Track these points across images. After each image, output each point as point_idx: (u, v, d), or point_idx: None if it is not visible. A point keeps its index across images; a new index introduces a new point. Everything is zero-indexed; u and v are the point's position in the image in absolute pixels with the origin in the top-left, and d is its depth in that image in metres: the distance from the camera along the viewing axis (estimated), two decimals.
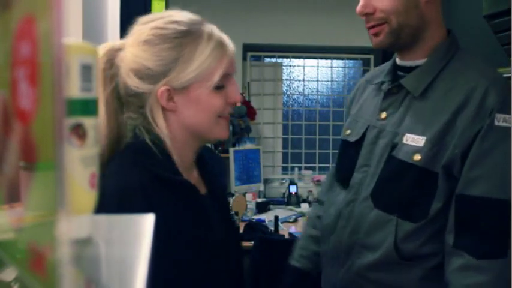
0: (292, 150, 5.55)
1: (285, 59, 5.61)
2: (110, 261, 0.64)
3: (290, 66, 5.62)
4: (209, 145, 4.97)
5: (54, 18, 0.36)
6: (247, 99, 5.26)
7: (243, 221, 4.00)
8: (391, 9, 1.39)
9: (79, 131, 0.59)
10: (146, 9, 2.43)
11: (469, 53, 1.48)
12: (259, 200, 4.64)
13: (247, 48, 5.39)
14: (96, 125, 0.62)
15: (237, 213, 3.79)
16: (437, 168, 1.35)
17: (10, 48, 0.43)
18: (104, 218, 0.64)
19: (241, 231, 3.67)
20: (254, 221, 4.02)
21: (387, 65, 1.59)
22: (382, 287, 1.44)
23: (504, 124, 1.31)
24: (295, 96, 5.61)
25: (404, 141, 1.41)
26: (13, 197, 0.45)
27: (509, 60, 1.46)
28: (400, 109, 1.47)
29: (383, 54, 2.48)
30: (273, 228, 3.82)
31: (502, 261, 1.28)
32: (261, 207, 4.50)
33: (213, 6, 5.21)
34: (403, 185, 1.40)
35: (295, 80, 5.60)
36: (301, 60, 5.59)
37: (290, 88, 5.61)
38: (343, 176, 1.59)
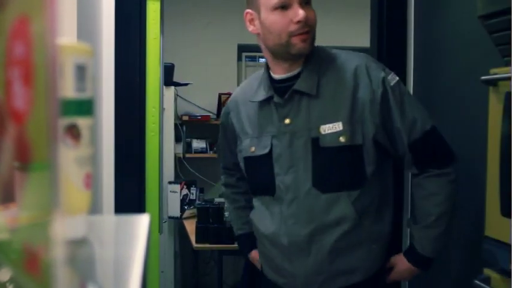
0: None
1: None
2: (104, 262, 0.64)
3: None
4: (204, 145, 4.97)
5: (48, 18, 0.36)
6: None
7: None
8: (315, 21, 1.74)
9: (74, 131, 0.59)
10: (141, 9, 2.43)
11: (322, 47, 1.83)
12: None
13: (242, 48, 5.39)
14: (91, 125, 0.62)
15: None
16: (360, 140, 1.69)
17: (4, 48, 0.43)
18: (99, 219, 0.64)
19: None
20: None
21: (255, 84, 1.89)
22: (350, 249, 1.73)
23: (395, 81, 1.73)
24: None
25: (323, 132, 1.70)
26: (7, 197, 0.45)
27: (505, 61, 1.46)
28: (301, 111, 1.74)
29: (378, 55, 2.48)
30: None
31: (454, 164, 1.73)
32: None
33: (208, 6, 5.21)
34: (339, 165, 1.70)
35: None
36: None
37: None
38: (263, 187, 1.84)
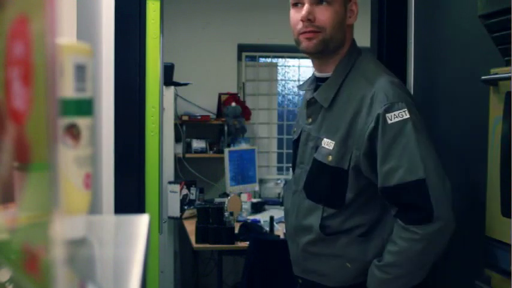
0: (287, 151, 5.55)
1: (280, 59, 5.61)
2: (104, 262, 0.63)
3: (285, 66, 5.63)
4: (204, 145, 4.97)
5: (48, 18, 0.36)
6: (242, 99, 5.26)
7: (238, 221, 3.99)
8: (328, 22, 1.70)
9: (73, 131, 0.59)
10: (141, 8, 2.42)
11: (367, 58, 1.82)
12: (254, 201, 4.64)
13: (242, 48, 5.39)
14: (91, 125, 0.62)
15: (232, 214, 3.79)
16: (346, 166, 1.70)
17: (3, 48, 0.42)
18: (99, 219, 0.64)
19: (236, 231, 3.67)
20: (249, 221, 4.02)
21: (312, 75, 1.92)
22: (321, 257, 1.81)
23: (397, 119, 1.61)
24: (290, 97, 5.61)
25: (322, 145, 1.75)
26: (7, 197, 0.45)
27: (506, 60, 1.46)
28: (318, 116, 1.79)
29: (378, 55, 2.48)
30: (268, 229, 3.82)
31: (429, 226, 1.58)
32: (256, 208, 4.50)
33: (208, 6, 5.21)
34: (323, 181, 1.76)
35: (291, 80, 5.60)
36: (297, 60, 5.59)
37: (285, 88, 5.61)
38: (293, 169, 1.97)
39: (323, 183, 1.77)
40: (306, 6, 1.69)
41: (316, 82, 1.84)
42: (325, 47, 1.73)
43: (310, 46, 1.73)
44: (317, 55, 1.78)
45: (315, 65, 1.85)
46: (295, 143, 1.94)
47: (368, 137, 1.65)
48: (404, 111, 1.61)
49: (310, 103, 1.83)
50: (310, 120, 1.83)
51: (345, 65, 1.77)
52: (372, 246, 1.75)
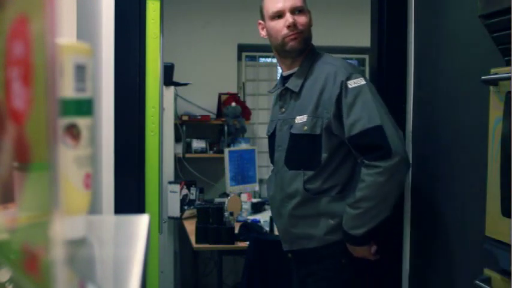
0: None
1: None
2: (104, 262, 0.63)
3: None
4: (204, 145, 4.96)
5: (47, 18, 0.36)
6: (242, 99, 5.26)
7: (238, 221, 3.99)
8: (306, 25, 2.21)
9: (73, 131, 0.59)
10: (141, 8, 2.42)
11: (323, 54, 2.29)
12: (254, 201, 4.64)
13: (242, 48, 5.39)
14: (91, 125, 0.62)
15: (232, 214, 3.79)
16: (319, 131, 2.12)
17: (3, 48, 0.42)
18: (99, 219, 0.64)
19: (236, 231, 3.67)
20: (249, 221, 4.02)
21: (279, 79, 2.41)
22: (306, 218, 2.17)
23: (356, 85, 2.08)
24: None
25: (296, 122, 2.18)
26: (7, 197, 0.45)
27: (506, 60, 1.46)
28: (290, 103, 2.25)
29: (378, 55, 2.48)
30: (268, 229, 3.81)
31: (389, 161, 1.99)
32: (256, 208, 4.50)
33: (208, 6, 5.21)
34: (300, 150, 2.18)
35: None
36: None
37: None
38: (271, 157, 2.38)
39: (301, 152, 2.18)
40: (289, 15, 2.17)
41: (283, 80, 2.32)
42: (305, 44, 2.22)
43: (295, 44, 2.18)
44: (297, 52, 2.21)
45: (286, 65, 2.29)
46: (271, 138, 2.36)
47: (335, 101, 2.09)
48: (360, 79, 2.09)
49: (282, 95, 2.30)
50: (283, 109, 2.28)
51: (309, 59, 2.25)
52: (348, 200, 2.11)
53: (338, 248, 2.14)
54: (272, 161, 2.37)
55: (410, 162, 2.18)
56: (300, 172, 2.16)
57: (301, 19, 2.20)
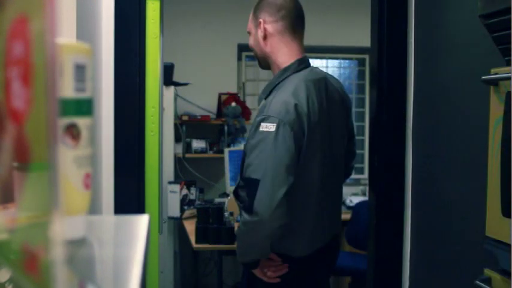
0: None
1: None
2: (104, 262, 0.63)
3: None
4: (204, 145, 4.96)
5: (47, 18, 0.36)
6: (242, 99, 5.26)
7: (238, 221, 3.99)
8: (252, 46, 2.38)
9: (73, 131, 0.59)
10: (141, 8, 2.42)
11: (291, 78, 2.21)
12: None
13: (242, 48, 5.39)
14: (91, 125, 0.62)
15: (232, 214, 3.79)
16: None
17: (3, 48, 0.42)
18: (99, 219, 0.64)
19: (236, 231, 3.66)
20: None
21: None
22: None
23: (265, 129, 2.05)
24: None
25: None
26: (6, 197, 0.45)
27: (506, 60, 1.46)
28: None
29: (379, 55, 2.48)
30: None
31: (248, 216, 2.07)
32: None
33: (208, 6, 5.21)
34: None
35: None
36: None
37: None
38: None
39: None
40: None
41: None
42: (260, 61, 2.45)
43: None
44: (261, 66, 2.50)
45: None
46: None
47: (249, 135, 2.18)
48: (273, 125, 2.04)
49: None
50: None
51: (278, 76, 2.27)
52: None
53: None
54: None
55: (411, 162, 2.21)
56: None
57: (249, 41, 2.40)
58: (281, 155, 2.03)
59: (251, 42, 2.35)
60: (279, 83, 2.21)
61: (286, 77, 2.21)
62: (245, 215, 2.08)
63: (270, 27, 2.27)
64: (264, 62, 2.36)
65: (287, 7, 2.26)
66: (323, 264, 2.40)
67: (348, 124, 2.46)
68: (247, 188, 2.08)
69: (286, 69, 2.24)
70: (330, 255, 2.44)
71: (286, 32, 2.27)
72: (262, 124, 2.06)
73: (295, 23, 2.29)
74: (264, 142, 2.04)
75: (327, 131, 2.23)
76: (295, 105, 2.07)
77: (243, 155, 2.18)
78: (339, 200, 2.51)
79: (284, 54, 2.26)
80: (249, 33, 2.35)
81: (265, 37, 2.28)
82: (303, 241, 2.24)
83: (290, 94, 2.10)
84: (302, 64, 2.27)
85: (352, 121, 2.54)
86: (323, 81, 2.29)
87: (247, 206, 2.07)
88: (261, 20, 2.27)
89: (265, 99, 2.22)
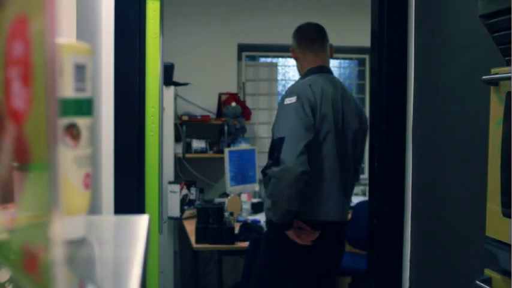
0: None
1: (280, 59, 5.61)
2: (104, 262, 0.63)
3: (285, 66, 5.62)
4: (204, 145, 4.96)
5: (47, 18, 0.36)
6: (242, 99, 5.26)
7: (238, 221, 3.99)
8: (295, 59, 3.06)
9: (73, 131, 0.59)
10: (141, 8, 2.42)
11: (315, 74, 2.85)
12: (254, 201, 4.64)
13: (242, 48, 5.39)
14: (91, 125, 0.61)
15: (232, 214, 3.79)
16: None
17: (3, 48, 0.42)
18: (98, 219, 0.64)
19: (236, 231, 3.66)
20: (249, 221, 4.02)
21: None
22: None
23: (288, 102, 2.66)
24: None
25: None
26: (6, 197, 0.45)
27: (506, 60, 1.46)
28: None
29: (379, 55, 2.48)
30: None
31: (276, 168, 2.55)
32: (256, 208, 4.50)
33: (208, 6, 5.21)
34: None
35: (291, 80, 5.60)
36: None
37: (285, 88, 5.61)
38: None
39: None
40: None
41: None
42: (299, 70, 3.02)
43: None
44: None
45: None
46: None
47: (276, 114, 2.77)
48: (294, 97, 2.65)
49: None
50: None
51: (302, 76, 2.93)
52: None
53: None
54: None
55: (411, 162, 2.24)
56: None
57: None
58: (300, 117, 2.60)
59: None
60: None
61: (305, 77, 2.86)
62: (274, 169, 2.56)
63: (297, 50, 3.01)
64: (300, 71, 3.00)
65: (303, 34, 3.04)
66: (339, 241, 2.91)
67: (362, 141, 2.95)
68: (276, 146, 2.60)
69: (306, 72, 2.91)
70: (341, 237, 2.93)
71: (306, 51, 2.96)
72: (286, 99, 2.68)
73: (308, 42, 2.99)
74: (288, 111, 2.63)
75: (339, 121, 2.76)
76: (310, 85, 2.72)
77: (272, 137, 2.72)
78: (350, 193, 2.92)
79: (306, 63, 2.95)
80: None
81: (297, 58, 3.01)
82: (334, 207, 2.74)
83: (307, 80, 2.80)
84: (319, 69, 2.90)
85: (364, 146, 2.99)
86: (339, 84, 2.91)
87: (275, 160, 2.57)
88: (291, 48, 3.04)
89: None
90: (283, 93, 2.83)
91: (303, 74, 2.92)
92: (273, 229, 2.77)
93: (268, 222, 2.83)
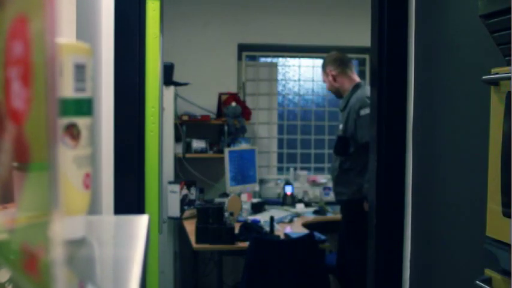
0: (287, 151, 5.55)
1: (280, 59, 5.61)
2: (104, 262, 0.63)
3: (285, 66, 5.62)
4: (204, 145, 4.96)
5: (47, 18, 0.35)
6: (242, 99, 5.26)
7: (238, 221, 3.99)
8: (328, 89, 4.21)
9: (73, 131, 0.59)
10: (141, 8, 2.42)
11: (362, 88, 3.95)
12: (254, 201, 4.64)
13: (242, 48, 5.39)
14: (91, 125, 0.61)
15: (232, 214, 3.79)
16: (347, 134, 3.84)
17: (3, 48, 0.42)
18: (98, 219, 0.64)
19: (236, 231, 3.66)
20: (249, 221, 4.03)
21: None
22: (341, 184, 3.96)
23: (365, 113, 3.59)
24: (290, 96, 5.61)
25: (339, 128, 4.03)
26: (6, 197, 0.45)
27: (506, 60, 1.46)
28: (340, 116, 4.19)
29: (379, 55, 2.48)
30: (268, 229, 3.81)
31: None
32: (257, 208, 4.50)
33: (208, 6, 5.21)
34: (338, 144, 3.91)
35: (291, 80, 5.60)
36: (297, 60, 5.59)
37: (285, 88, 5.61)
38: None
39: (338, 145, 3.89)
40: None
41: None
42: (335, 93, 4.16)
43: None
44: (335, 94, 4.20)
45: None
46: None
47: (354, 120, 3.77)
48: (367, 109, 3.26)
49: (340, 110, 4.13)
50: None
51: (349, 93, 3.96)
52: (364, 177, 3.63)
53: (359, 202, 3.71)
54: None
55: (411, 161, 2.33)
56: (338, 157, 3.88)
57: (326, 87, 4.29)
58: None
59: (328, 87, 4.15)
60: (351, 96, 3.90)
61: (354, 92, 3.90)
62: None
63: (334, 73, 4.00)
64: (338, 93, 4.06)
65: (338, 58, 4.04)
66: None
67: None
68: (364, 148, 3.12)
69: (355, 86, 3.94)
70: None
71: (343, 71, 3.98)
72: (361, 111, 3.71)
73: (345, 65, 4.02)
74: (366, 120, 3.21)
75: None
76: (367, 97, 3.37)
77: (357, 140, 3.75)
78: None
79: (349, 81, 3.99)
80: (325, 81, 4.14)
81: (334, 79, 4.00)
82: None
83: (361, 92, 3.84)
84: (358, 85, 3.96)
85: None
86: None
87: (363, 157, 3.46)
88: (327, 71, 4.01)
89: (344, 108, 3.94)
90: (358, 105, 3.78)
91: (353, 88, 3.93)
92: (354, 208, 3.76)
93: (349, 203, 3.84)
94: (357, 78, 4.05)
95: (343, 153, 3.82)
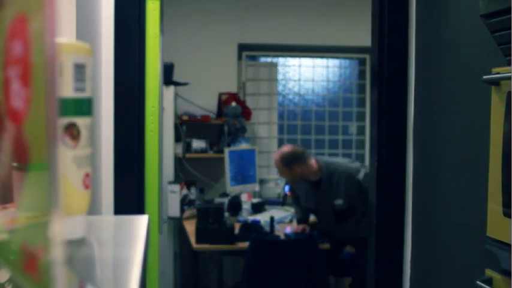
0: None
1: (280, 59, 5.61)
2: (104, 262, 0.63)
3: (286, 65, 5.62)
4: (204, 145, 4.96)
5: (47, 17, 0.35)
6: (242, 99, 5.26)
7: (238, 221, 3.99)
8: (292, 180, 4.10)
9: (73, 131, 0.59)
10: (140, 7, 2.42)
11: (328, 166, 3.99)
12: (254, 201, 4.64)
13: (242, 47, 5.39)
14: (90, 125, 0.61)
15: (232, 214, 3.79)
16: (350, 202, 3.99)
17: (2, 47, 0.42)
18: (98, 219, 0.64)
19: (236, 231, 3.66)
20: (249, 221, 4.02)
21: None
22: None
23: (363, 174, 3.82)
24: (290, 96, 5.61)
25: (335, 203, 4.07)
26: (6, 197, 0.45)
27: (507, 60, 1.46)
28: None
29: (379, 54, 2.48)
30: (268, 229, 3.81)
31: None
32: (257, 208, 4.50)
33: (209, 6, 5.20)
34: (345, 214, 4.13)
35: (291, 80, 5.60)
36: (297, 59, 5.59)
37: (285, 88, 5.61)
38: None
39: (345, 215, 4.07)
40: None
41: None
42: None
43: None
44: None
45: None
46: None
47: (357, 187, 3.89)
48: (361, 171, 3.83)
49: None
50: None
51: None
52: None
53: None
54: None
55: (411, 161, 2.33)
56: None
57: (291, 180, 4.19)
58: None
59: (287, 177, 4.08)
60: (331, 174, 3.93)
61: (327, 170, 3.93)
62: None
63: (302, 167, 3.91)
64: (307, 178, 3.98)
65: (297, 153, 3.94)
66: None
67: None
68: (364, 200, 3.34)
69: (322, 169, 3.92)
70: None
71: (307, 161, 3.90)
72: (358, 176, 3.86)
73: (305, 155, 3.94)
74: (369, 176, 3.11)
75: None
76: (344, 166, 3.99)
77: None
78: None
79: (313, 166, 3.88)
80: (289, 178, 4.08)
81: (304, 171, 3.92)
82: None
83: (337, 168, 3.98)
84: (321, 166, 3.97)
85: None
86: None
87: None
88: (296, 169, 3.85)
89: (330, 187, 3.91)
90: (350, 176, 3.89)
91: (320, 168, 3.89)
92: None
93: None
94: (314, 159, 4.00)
95: (348, 219, 3.94)
